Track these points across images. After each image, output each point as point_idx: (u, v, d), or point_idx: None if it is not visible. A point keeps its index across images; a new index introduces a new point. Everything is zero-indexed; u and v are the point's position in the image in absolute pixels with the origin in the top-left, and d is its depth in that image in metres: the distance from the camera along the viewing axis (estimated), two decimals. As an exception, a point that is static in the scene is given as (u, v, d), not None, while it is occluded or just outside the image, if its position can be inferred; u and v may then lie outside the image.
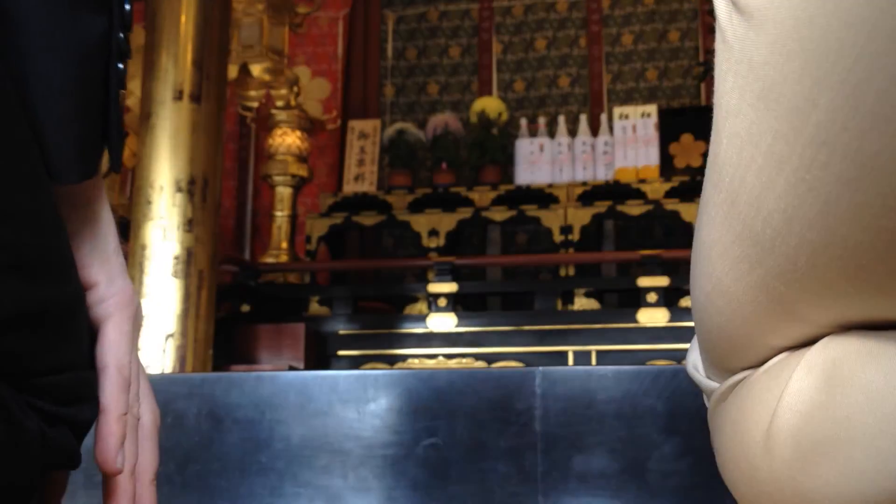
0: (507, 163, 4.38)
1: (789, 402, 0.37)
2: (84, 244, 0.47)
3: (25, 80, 0.41)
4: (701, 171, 3.84)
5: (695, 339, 0.51)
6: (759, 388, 0.41)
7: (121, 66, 0.45)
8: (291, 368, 3.30)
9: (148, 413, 0.47)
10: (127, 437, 0.46)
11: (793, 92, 0.31)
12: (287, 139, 4.17)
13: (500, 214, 4.02)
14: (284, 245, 4.18)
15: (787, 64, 0.31)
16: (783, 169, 0.33)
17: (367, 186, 4.52)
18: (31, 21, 0.41)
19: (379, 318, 3.63)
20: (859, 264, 0.33)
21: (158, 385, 0.89)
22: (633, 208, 3.89)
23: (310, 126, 4.30)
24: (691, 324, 2.18)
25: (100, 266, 0.47)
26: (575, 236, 3.91)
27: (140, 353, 2.33)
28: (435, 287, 3.55)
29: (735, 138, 0.35)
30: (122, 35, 0.45)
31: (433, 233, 4.03)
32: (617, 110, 4.26)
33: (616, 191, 4.03)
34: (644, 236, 4.44)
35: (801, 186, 0.32)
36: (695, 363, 0.51)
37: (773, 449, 0.37)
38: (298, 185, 4.24)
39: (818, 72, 0.30)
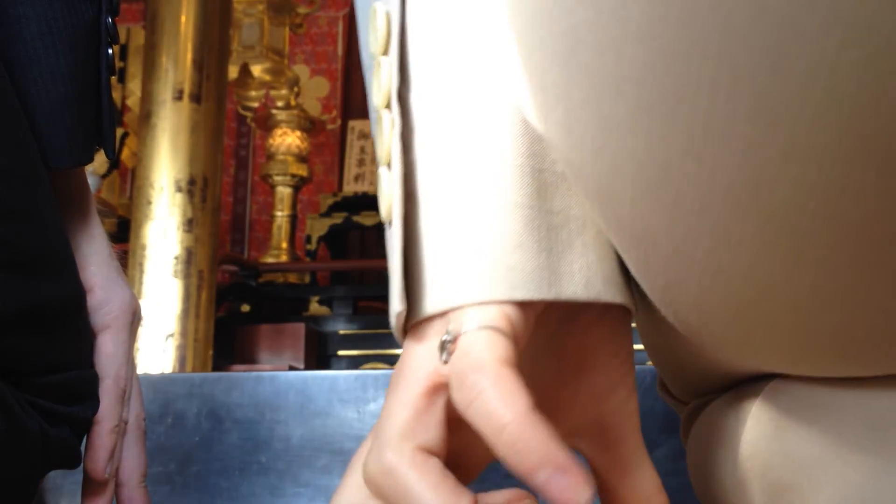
0: (507, 163, 4.37)
1: (748, 451, 0.35)
2: (80, 246, 0.47)
3: (18, 65, 0.41)
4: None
5: None
6: (714, 433, 0.40)
7: (110, 51, 0.46)
8: (291, 368, 3.30)
9: (132, 414, 0.47)
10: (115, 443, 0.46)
11: (668, 241, 0.29)
12: (287, 139, 4.17)
13: (500, 214, 4.01)
14: (284, 245, 4.18)
15: (652, 218, 0.29)
16: (687, 290, 0.31)
17: (368, 186, 4.52)
18: (23, 6, 0.41)
19: (379, 318, 3.63)
20: (782, 354, 0.32)
21: (158, 385, 0.89)
22: (633, 208, 3.89)
23: (310, 126, 4.30)
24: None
25: (97, 268, 0.47)
26: (575, 236, 3.90)
27: (139, 353, 2.31)
28: (435, 287, 3.54)
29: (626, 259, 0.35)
30: (110, 20, 0.45)
31: (433, 233, 4.03)
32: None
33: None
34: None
35: (708, 303, 0.31)
36: (662, 384, 0.50)
37: (745, 496, 0.36)
38: (298, 185, 4.24)
39: (689, 223, 0.28)
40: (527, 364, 0.33)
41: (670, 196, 0.26)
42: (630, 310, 0.35)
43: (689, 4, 0.21)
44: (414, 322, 0.32)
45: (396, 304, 0.31)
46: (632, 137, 0.26)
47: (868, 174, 0.23)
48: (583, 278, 0.32)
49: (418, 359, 0.32)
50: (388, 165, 0.33)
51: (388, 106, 0.33)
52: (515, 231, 0.32)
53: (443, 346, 0.30)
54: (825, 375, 0.33)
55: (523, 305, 0.31)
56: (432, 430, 0.30)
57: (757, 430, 0.35)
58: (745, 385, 0.38)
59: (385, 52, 0.34)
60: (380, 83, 0.34)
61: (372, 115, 0.36)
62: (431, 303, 0.31)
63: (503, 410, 0.27)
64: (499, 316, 0.30)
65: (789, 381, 0.34)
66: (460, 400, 0.29)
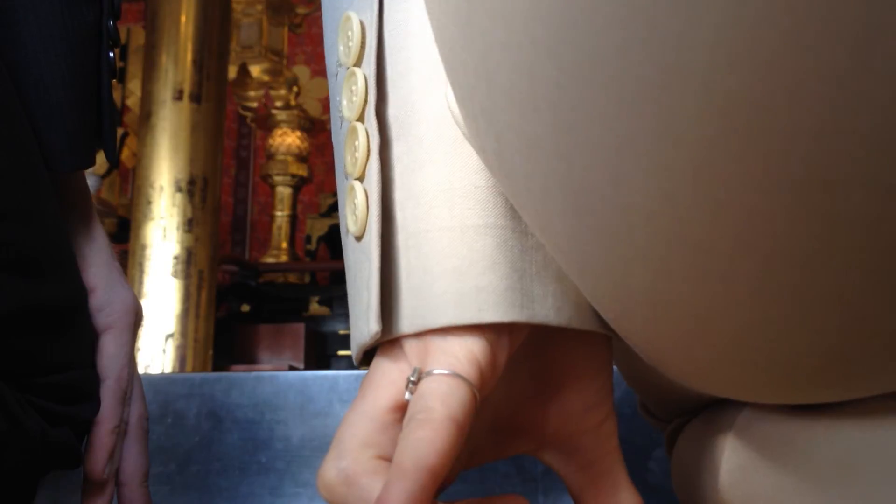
0: (506, 163, 4.37)
1: (728, 481, 0.35)
2: (81, 247, 0.47)
3: (19, 69, 0.41)
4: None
5: None
6: (694, 460, 0.40)
7: (111, 54, 0.46)
8: (291, 368, 3.30)
9: (134, 415, 0.47)
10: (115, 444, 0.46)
11: (606, 270, 0.29)
12: (287, 139, 4.17)
13: (499, 214, 4.02)
14: (284, 245, 4.18)
15: (588, 249, 0.29)
16: (633, 324, 0.31)
17: (367, 186, 4.52)
18: (24, 10, 0.41)
19: (379, 318, 3.63)
20: (738, 385, 0.31)
21: (158, 385, 0.89)
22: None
23: (310, 126, 4.30)
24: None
25: (97, 269, 0.47)
26: (575, 236, 3.91)
27: (139, 354, 2.31)
28: (435, 287, 3.55)
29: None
30: (111, 23, 0.45)
31: (433, 233, 4.04)
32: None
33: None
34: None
35: (656, 339, 0.30)
36: (643, 404, 0.50)
37: None
38: (298, 185, 4.24)
39: (621, 252, 0.27)
40: (504, 374, 0.32)
41: (600, 224, 0.26)
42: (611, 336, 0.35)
43: (588, 23, 0.21)
44: (385, 340, 0.32)
45: (373, 323, 0.31)
46: (556, 161, 0.25)
47: (772, 196, 0.22)
48: (555, 303, 0.32)
49: (387, 375, 0.31)
50: (361, 179, 0.32)
51: (361, 118, 0.33)
52: (487, 251, 0.31)
53: (407, 384, 0.30)
54: (775, 403, 0.32)
55: (501, 329, 0.31)
56: (394, 446, 0.30)
57: (734, 462, 0.35)
58: (721, 407, 0.38)
59: (358, 63, 0.33)
60: (352, 95, 0.33)
61: (336, 123, 0.35)
62: (407, 323, 0.31)
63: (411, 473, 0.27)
64: (465, 357, 0.30)
65: (760, 408, 0.34)
66: (401, 436, 0.29)
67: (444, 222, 0.32)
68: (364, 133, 0.32)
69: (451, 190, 0.32)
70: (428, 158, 0.32)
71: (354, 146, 0.33)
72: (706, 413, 0.40)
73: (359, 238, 0.33)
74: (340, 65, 0.34)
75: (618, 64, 0.21)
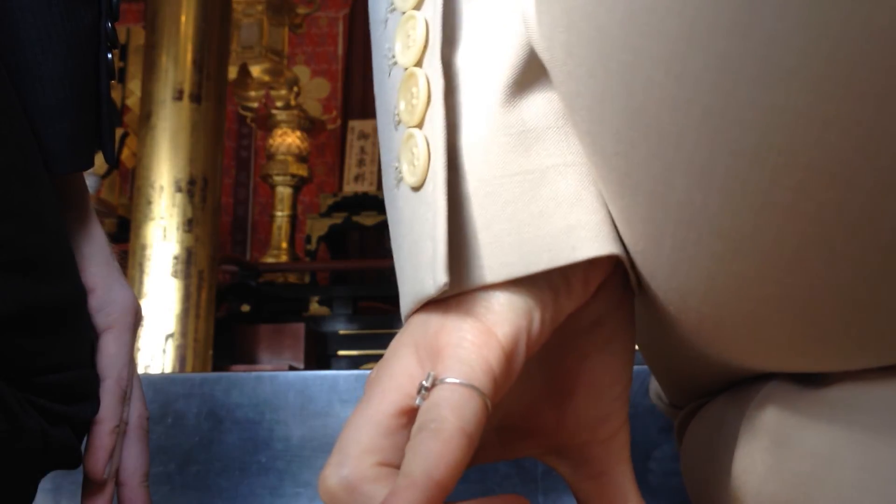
0: (507, 163, 4.37)
1: (743, 465, 0.34)
2: (80, 247, 0.47)
3: (18, 70, 0.41)
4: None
5: None
6: (707, 443, 0.39)
7: (110, 55, 0.46)
8: (291, 368, 3.30)
9: (134, 415, 0.47)
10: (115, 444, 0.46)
11: (647, 178, 0.29)
12: (287, 139, 4.17)
13: (500, 214, 4.01)
14: (284, 245, 4.18)
15: (634, 154, 0.28)
16: (662, 250, 0.30)
17: (368, 186, 4.52)
18: (23, 12, 0.41)
19: (379, 318, 3.63)
20: (758, 334, 0.31)
21: (158, 385, 0.89)
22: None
23: (310, 126, 4.30)
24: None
25: (97, 269, 0.47)
26: (575, 236, 3.90)
27: (139, 354, 2.30)
28: (435, 287, 3.54)
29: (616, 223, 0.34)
30: (109, 24, 0.45)
31: (433, 233, 4.03)
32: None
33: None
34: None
35: (682, 265, 0.30)
36: (657, 391, 0.50)
37: None
38: (298, 185, 4.25)
39: (666, 157, 0.27)
40: (519, 377, 0.32)
41: (651, 123, 0.26)
42: (633, 344, 0.35)
43: None
44: (442, 297, 0.30)
45: (440, 274, 0.29)
46: (622, 52, 0.26)
47: (829, 105, 0.22)
48: None
49: (395, 378, 0.31)
50: (420, 126, 0.31)
51: (419, 63, 0.32)
52: (571, 189, 0.31)
53: (420, 389, 0.29)
54: (797, 371, 0.32)
55: (552, 288, 0.30)
56: (397, 452, 0.29)
57: (750, 445, 0.34)
58: (737, 390, 0.38)
59: (418, 7, 0.32)
60: (408, 40, 0.32)
61: (383, 72, 0.34)
62: (491, 273, 0.30)
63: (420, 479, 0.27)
64: (479, 365, 0.29)
65: (778, 389, 0.34)
66: (410, 445, 0.28)
67: (520, 166, 0.31)
68: (424, 78, 0.31)
69: (525, 133, 0.31)
70: (497, 101, 0.31)
71: (412, 93, 0.32)
72: (725, 393, 0.40)
73: (417, 188, 0.31)
74: (393, 10, 0.33)
75: None
